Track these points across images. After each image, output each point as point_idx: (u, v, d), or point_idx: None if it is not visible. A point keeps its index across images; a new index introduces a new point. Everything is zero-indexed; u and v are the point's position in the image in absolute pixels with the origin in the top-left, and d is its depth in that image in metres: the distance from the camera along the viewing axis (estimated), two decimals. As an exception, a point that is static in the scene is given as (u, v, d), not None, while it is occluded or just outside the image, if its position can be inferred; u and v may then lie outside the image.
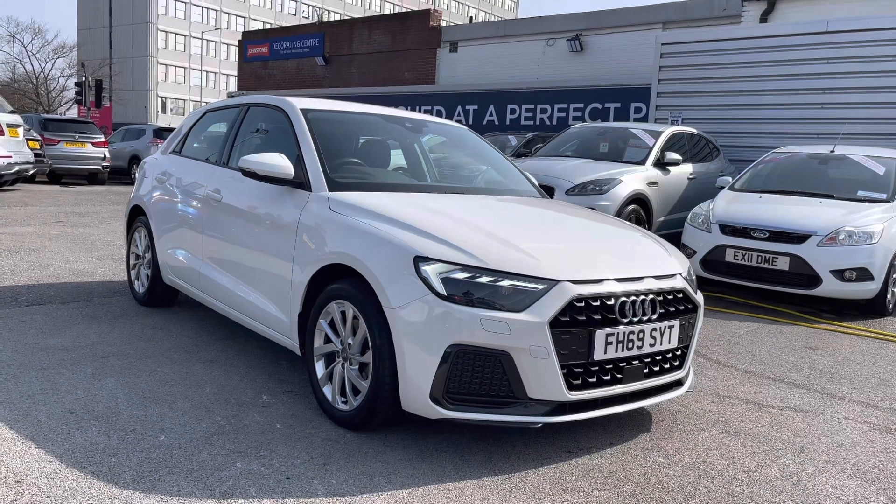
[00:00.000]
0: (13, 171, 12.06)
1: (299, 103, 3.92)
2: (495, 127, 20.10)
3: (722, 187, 7.44)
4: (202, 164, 4.47)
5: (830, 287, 5.92)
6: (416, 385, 2.67)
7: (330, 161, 3.55)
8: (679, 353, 3.07)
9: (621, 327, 2.76)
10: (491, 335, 2.59)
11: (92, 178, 16.85)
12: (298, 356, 3.37)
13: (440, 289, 2.64)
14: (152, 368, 3.61)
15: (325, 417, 3.07)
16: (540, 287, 2.66)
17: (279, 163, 3.43)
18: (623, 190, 7.38)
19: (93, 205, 11.70)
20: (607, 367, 2.77)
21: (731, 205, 6.78)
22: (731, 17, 16.64)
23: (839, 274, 5.88)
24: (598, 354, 2.71)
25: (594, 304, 2.71)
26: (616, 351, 2.76)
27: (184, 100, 71.64)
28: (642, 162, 8.02)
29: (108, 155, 16.84)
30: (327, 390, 3.07)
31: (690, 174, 8.54)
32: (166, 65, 70.32)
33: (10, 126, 12.10)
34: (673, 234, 7.46)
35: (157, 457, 2.61)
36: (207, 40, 71.52)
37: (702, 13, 17.87)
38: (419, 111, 20.98)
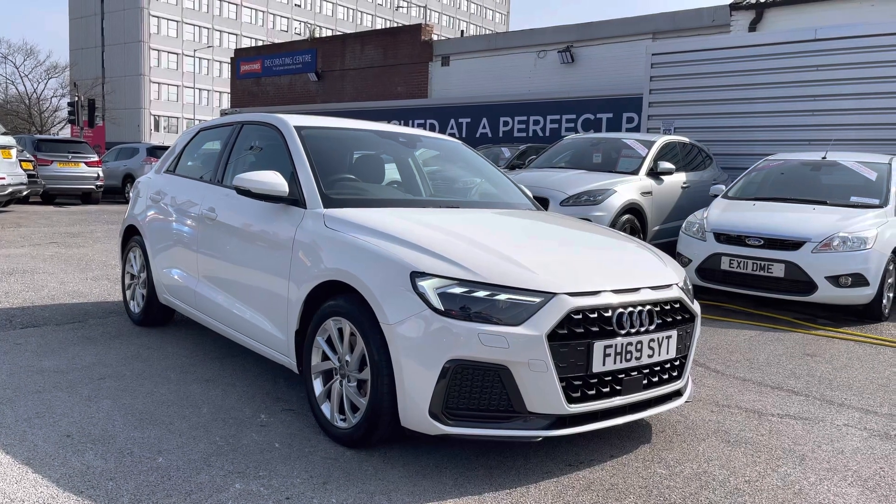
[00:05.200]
0: (7, 192, 12.04)
1: (293, 120, 3.93)
2: (488, 139, 20.18)
3: (716, 195, 7.47)
4: (196, 182, 4.46)
5: (826, 293, 5.93)
6: (415, 401, 2.65)
7: (324, 178, 3.56)
8: (677, 363, 3.07)
9: (619, 339, 2.75)
10: (489, 349, 2.58)
11: (86, 197, 16.84)
12: (296, 374, 3.35)
13: (437, 304, 2.64)
14: (149, 389, 3.59)
15: (323, 435, 3.05)
16: (537, 300, 2.66)
17: (274, 180, 3.43)
18: (617, 200, 7.40)
19: (87, 225, 11.68)
20: (606, 378, 2.76)
21: (725, 213, 6.80)
22: (720, 26, 16.78)
23: (834, 280, 5.90)
24: (597, 366, 2.71)
25: (591, 316, 2.71)
26: (614, 363, 2.75)
27: (177, 118, 71.74)
28: (636, 172, 8.05)
29: (101, 174, 16.82)
30: (325, 408, 3.05)
31: (684, 183, 8.57)
32: (159, 83, 70.47)
33: (3, 147, 12.09)
34: (668, 244, 7.48)
35: (155, 479, 2.59)
36: (200, 58, 71.75)
37: (691, 23, 18.02)
38: (412, 125, 21.10)
